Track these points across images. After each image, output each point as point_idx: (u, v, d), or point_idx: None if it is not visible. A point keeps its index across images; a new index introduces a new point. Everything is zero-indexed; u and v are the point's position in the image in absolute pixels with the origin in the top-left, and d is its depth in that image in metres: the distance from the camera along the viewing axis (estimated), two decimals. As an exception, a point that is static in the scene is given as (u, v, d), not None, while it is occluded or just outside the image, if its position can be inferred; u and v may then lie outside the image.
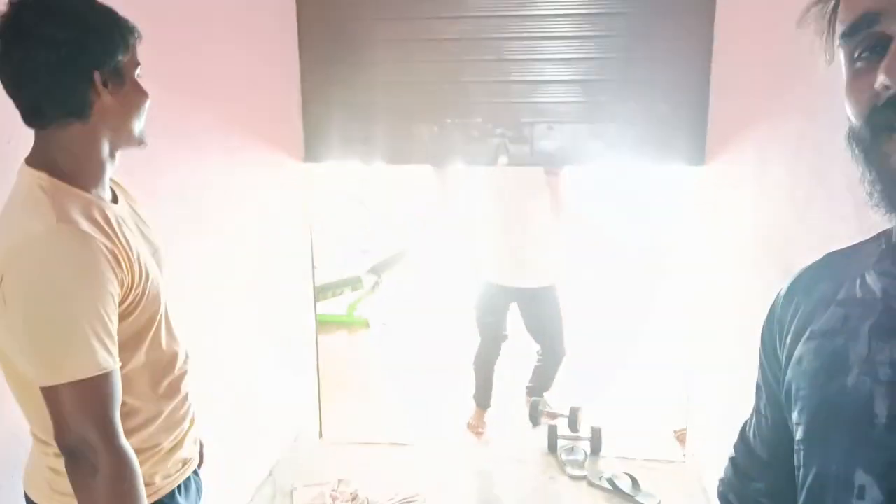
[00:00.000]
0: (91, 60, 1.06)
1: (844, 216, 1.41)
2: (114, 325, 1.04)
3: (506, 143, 2.80)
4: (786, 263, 1.77)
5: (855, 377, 0.61)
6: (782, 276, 1.66)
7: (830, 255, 0.75)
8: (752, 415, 0.85)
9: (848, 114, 0.60)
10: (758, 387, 0.82)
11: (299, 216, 2.98)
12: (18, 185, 1.08)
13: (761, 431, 0.82)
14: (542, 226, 3.22)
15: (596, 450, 3.14)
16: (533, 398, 3.54)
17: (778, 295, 0.78)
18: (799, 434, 0.67)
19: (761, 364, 0.81)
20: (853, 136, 0.60)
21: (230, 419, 2.34)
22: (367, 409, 3.64)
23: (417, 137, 2.87)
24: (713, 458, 2.55)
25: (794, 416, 0.68)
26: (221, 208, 2.27)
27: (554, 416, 3.42)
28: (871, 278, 0.65)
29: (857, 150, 0.60)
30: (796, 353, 0.69)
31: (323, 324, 3.78)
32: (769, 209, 1.94)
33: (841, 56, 0.60)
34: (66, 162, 1.08)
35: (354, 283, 4.60)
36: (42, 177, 1.05)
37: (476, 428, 3.44)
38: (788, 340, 0.71)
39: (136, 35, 1.13)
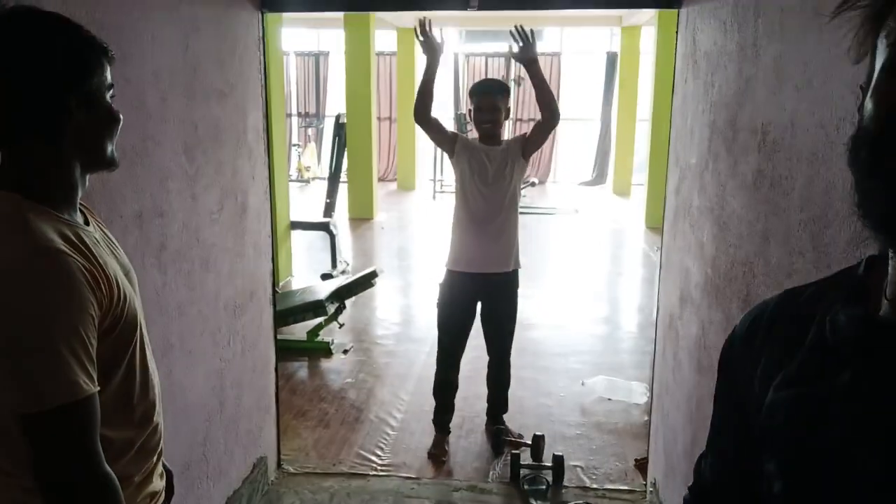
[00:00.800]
0: (65, 83, 1.05)
1: (802, 251, 1.44)
2: (94, 348, 1.02)
3: None
4: (746, 296, 1.80)
5: (837, 430, 0.59)
6: (743, 309, 1.68)
7: (789, 292, 0.74)
8: (706, 452, 0.83)
9: (867, 114, 0.55)
10: (714, 426, 0.81)
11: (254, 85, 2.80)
12: None
13: (717, 471, 0.80)
14: (512, 212, 3.24)
15: (558, 479, 3.13)
16: (495, 427, 3.53)
17: (733, 333, 0.77)
18: (777, 488, 0.65)
19: (718, 403, 0.80)
20: (865, 139, 0.55)
21: (185, 447, 2.27)
22: (326, 438, 3.57)
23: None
24: (674, 488, 2.56)
25: (771, 468, 0.66)
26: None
27: (517, 444, 3.40)
28: (841, 321, 0.62)
29: (863, 156, 0.55)
30: (767, 400, 0.67)
31: (283, 350, 3.71)
32: (728, 241, 1.97)
33: (883, 47, 0.55)
34: (37, 183, 1.06)
35: (317, 308, 4.54)
36: (13, 197, 1.03)
37: (438, 456, 3.40)
38: (757, 385, 0.69)
39: (110, 56, 1.13)
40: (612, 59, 14.22)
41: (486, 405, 3.62)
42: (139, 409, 1.19)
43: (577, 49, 14.83)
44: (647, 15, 11.18)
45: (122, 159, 1.83)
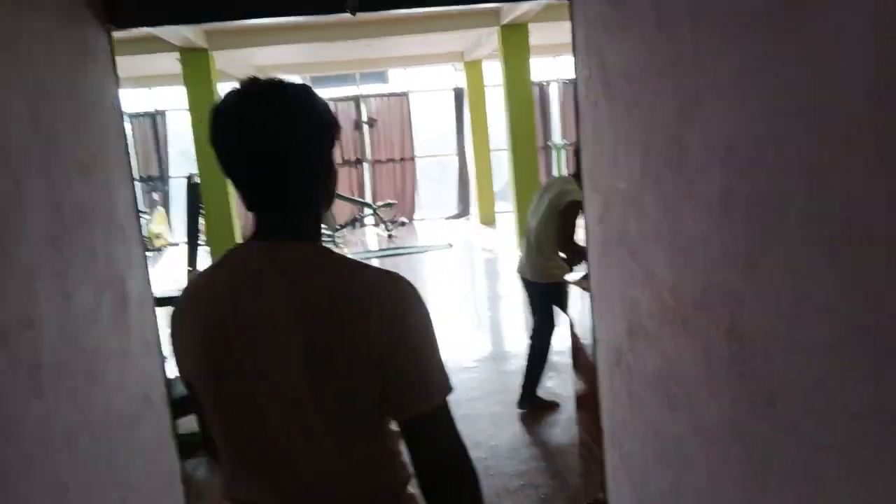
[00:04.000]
0: (335, 141, 1.17)
1: (817, 273, 1.32)
2: None
3: None
4: (730, 324, 1.67)
5: None
6: (728, 338, 1.53)
7: None
8: None
9: None
10: None
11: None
12: (295, 254, 1.11)
13: None
14: None
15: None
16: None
17: None
18: None
19: None
20: None
21: None
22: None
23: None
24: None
25: None
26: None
27: None
28: None
29: None
30: None
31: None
32: (693, 267, 1.85)
33: None
34: (316, 233, 1.17)
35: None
36: (321, 246, 1.14)
37: None
38: None
39: None
40: (458, 95, 14.53)
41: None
42: None
43: (423, 87, 15.02)
44: (489, 49, 11.52)
45: (-28, 265, 1.42)
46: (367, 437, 1.10)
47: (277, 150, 1.05)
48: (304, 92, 1.09)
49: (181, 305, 1.18)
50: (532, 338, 4.37)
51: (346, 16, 2.51)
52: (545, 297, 4.23)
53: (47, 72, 1.88)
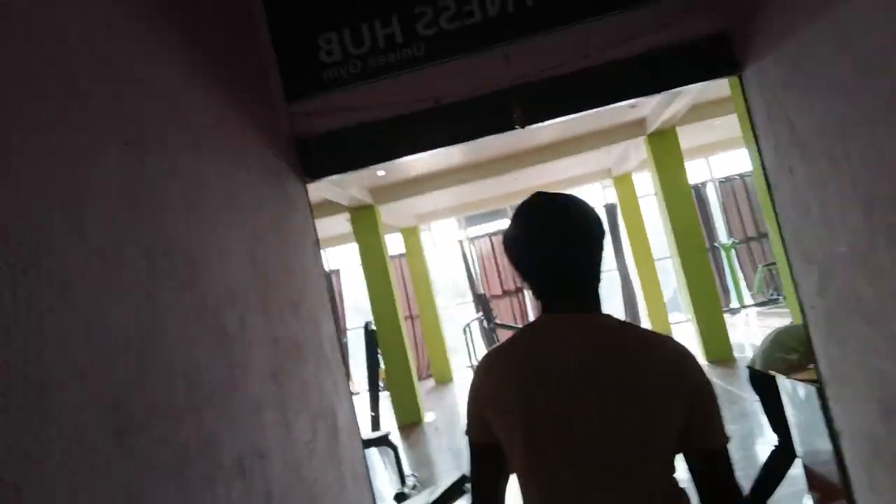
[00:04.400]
0: None
1: None
2: None
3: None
4: None
5: None
6: None
7: None
8: None
9: None
10: None
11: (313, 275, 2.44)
12: (605, 323, 1.31)
13: None
14: None
15: None
16: None
17: None
18: None
19: None
20: None
21: None
22: None
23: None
24: None
25: None
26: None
27: None
28: None
29: None
30: None
31: None
32: None
33: None
34: (599, 305, 1.35)
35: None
36: (609, 315, 1.33)
37: None
38: None
39: None
40: (611, 210, 14.44)
41: None
42: None
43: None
44: (636, 161, 11.48)
45: (212, 396, 1.49)
46: (670, 475, 1.27)
47: (590, 240, 1.33)
48: (584, 200, 1.40)
49: (482, 375, 1.34)
50: (771, 459, 3.92)
51: (496, 153, 2.70)
52: (768, 393, 3.81)
53: (260, 220, 2.07)
